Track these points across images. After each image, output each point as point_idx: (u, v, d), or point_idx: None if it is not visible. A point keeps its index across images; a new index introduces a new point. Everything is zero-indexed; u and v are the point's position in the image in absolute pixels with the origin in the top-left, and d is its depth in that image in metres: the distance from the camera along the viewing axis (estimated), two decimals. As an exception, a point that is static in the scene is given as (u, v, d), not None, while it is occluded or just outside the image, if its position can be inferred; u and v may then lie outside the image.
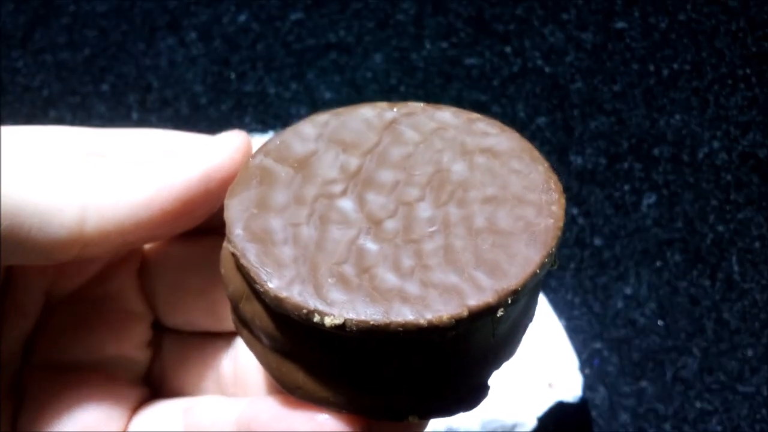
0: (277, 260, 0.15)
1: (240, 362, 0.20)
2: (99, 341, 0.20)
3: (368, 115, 0.18)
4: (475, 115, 0.18)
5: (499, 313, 0.15)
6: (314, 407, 0.16)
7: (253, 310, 0.17)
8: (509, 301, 0.15)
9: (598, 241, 0.39)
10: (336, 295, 0.15)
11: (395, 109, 0.18)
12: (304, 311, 0.15)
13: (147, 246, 0.21)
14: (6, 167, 0.16)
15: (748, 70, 0.43)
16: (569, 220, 0.40)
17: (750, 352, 0.37)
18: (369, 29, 0.45)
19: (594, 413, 0.36)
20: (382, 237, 0.16)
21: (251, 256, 0.16)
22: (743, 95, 0.42)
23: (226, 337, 0.21)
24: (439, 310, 0.14)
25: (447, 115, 0.18)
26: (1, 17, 0.45)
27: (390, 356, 0.15)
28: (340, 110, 0.18)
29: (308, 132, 0.18)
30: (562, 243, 0.39)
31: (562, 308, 0.38)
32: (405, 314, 0.14)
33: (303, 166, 0.17)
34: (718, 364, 0.37)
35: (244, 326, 0.17)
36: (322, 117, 0.18)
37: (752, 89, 0.42)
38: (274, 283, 0.15)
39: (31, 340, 0.20)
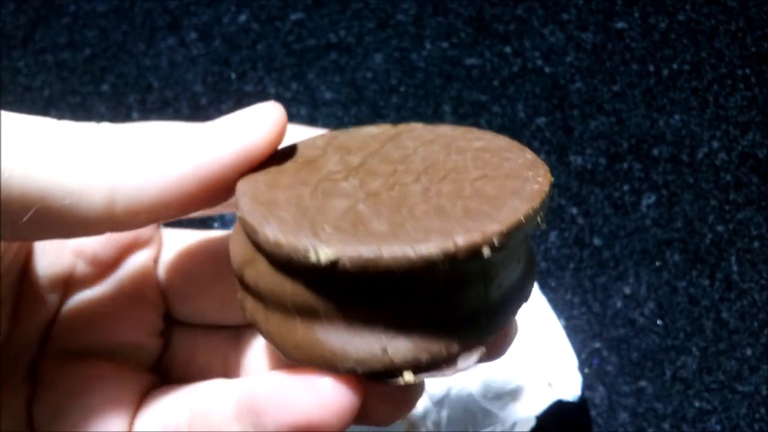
0: (279, 217, 0.17)
1: (247, 356, 0.21)
2: (112, 328, 0.21)
3: (374, 131, 0.20)
4: (472, 128, 0.20)
5: (485, 252, 0.16)
6: (313, 371, 0.17)
7: (256, 272, 0.17)
8: (496, 243, 0.16)
9: (597, 241, 0.39)
10: (332, 237, 0.16)
11: (398, 127, 0.21)
12: (301, 250, 0.16)
13: (164, 237, 0.22)
14: (34, 149, 0.16)
15: (747, 70, 0.43)
16: (569, 220, 0.40)
17: (749, 352, 0.37)
18: (369, 29, 0.45)
19: (593, 412, 0.36)
20: (378, 203, 0.17)
21: (257, 216, 0.17)
22: (743, 95, 0.42)
23: (235, 331, 0.22)
24: (429, 245, 0.16)
25: (446, 128, 0.20)
26: (1, 17, 0.45)
27: (384, 304, 0.16)
28: (349, 129, 0.21)
29: (318, 143, 0.20)
30: (562, 243, 0.40)
31: (561, 308, 0.38)
32: (396, 250, 0.15)
33: (310, 163, 0.19)
34: (717, 364, 0.37)
35: (248, 293, 0.18)
36: (331, 133, 0.20)
37: (752, 89, 0.43)
38: (273, 230, 0.16)
39: (48, 329, 0.20)
